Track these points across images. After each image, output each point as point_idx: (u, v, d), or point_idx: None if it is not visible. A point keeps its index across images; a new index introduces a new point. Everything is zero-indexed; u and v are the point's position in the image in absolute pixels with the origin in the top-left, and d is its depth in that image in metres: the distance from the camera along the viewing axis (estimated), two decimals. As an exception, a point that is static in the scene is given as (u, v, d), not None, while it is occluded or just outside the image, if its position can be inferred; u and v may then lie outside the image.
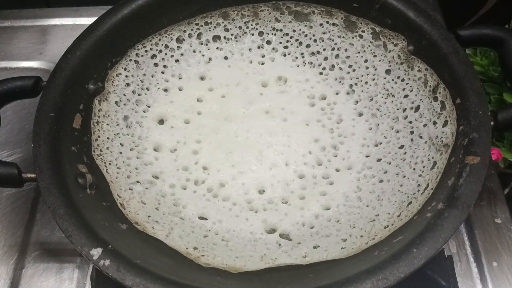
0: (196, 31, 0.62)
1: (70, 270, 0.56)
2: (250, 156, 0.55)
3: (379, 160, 0.53)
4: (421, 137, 0.52)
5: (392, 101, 0.56)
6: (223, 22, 0.62)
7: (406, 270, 0.41)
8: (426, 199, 0.47)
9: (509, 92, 0.60)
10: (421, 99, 0.54)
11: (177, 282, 0.42)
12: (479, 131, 0.47)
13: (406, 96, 0.55)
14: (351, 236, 0.48)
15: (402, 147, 0.53)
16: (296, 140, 0.56)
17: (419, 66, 0.55)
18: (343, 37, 0.60)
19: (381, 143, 0.54)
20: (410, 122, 0.54)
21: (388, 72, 0.57)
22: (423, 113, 0.53)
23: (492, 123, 0.48)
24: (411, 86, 0.55)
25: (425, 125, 0.52)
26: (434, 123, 0.52)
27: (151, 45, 0.60)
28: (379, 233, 0.47)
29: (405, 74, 0.56)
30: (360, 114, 0.57)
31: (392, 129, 0.55)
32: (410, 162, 0.51)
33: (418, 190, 0.48)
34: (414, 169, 0.51)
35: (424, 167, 0.50)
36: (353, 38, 0.60)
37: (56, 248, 0.58)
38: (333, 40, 0.61)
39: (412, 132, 0.53)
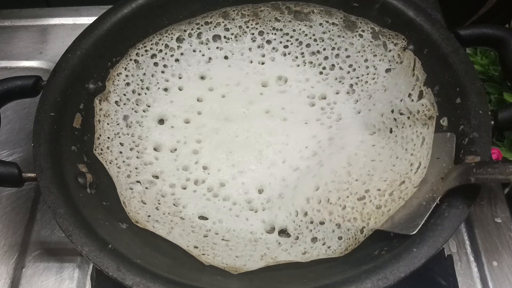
0: (196, 31, 0.62)
1: (71, 270, 0.56)
2: (250, 155, 0.55)
3: (373, 145, 0.53)
4: (401, 114, 0.52)
5: (386, 92, 0.56)
6: (223, 22, 0.62)
7: (406, 270, 0.41)
8: (420, 179, 0.47)
9: (509, 91, 0.60)
10: (403, 79, 0.54)
11: (177, 282, 0.42)
12: (479, 131, 0.47)
13: (396, 84, 0.55)
14: (344, 219, 0.48)
15: (391, 131, 0.53)
16: (295, 139, 0.56)
17: (408, 58, 0.55)
18: (343, 36, 0.60)
19: (374, 133, 0.54)
20: (390, 102, 0.54)
21: (388, 71, 0.57)
22: (401, 89, 0.53)
23: (492, 122, 0.48)
24: (400, 75, 0.55)
25: (401, 100, 0.52)
26: (409, 95, 0.52)
27: (151, 44, 0.60)
28: (373, 215, 0.46)
29: (401, 70, 0.56)
30: (359, 112, 0.57)
31: (383, 116, 0.55)
32: (402, 143, 0.51)
33: (411, 170, 0.48)
34: (406, 149, 0.51)
35: (414, 145, 0.50)
36: (353, 37, 0.60)
37: (56, 248, 0.58)
38: (333, 40, 0.61)
39: (392, 111, 0.53)
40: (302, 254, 0.47)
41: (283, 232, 0.50)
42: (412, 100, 0.51)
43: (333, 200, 0.49)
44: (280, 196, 0.52)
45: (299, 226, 0.49)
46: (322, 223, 0.49)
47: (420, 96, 0.50)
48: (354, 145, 0.54)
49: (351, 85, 0.59)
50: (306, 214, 0.50)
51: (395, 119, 0.53)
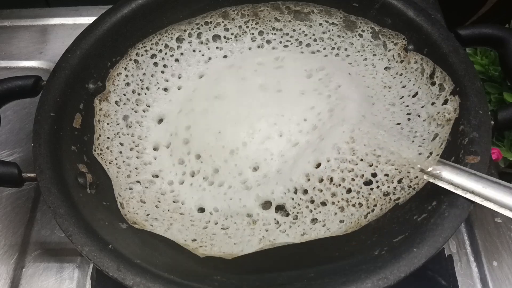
0: (196, 31, 0.62)
1: (71, 270, 0.56)
2: (241, 131, 0.52)
3: (373, 124, 0.51)
4: (419, 116, 0.51)
5: (389, 91, 0.55)
6: (223, 22, 0.62)
7: (406, 270, 0.41)
8: (432, 165, 0.45)
9: (509, 91, 0.60)
10: (419, 87, 0.53)
11: (177, 282, 0.42)
12: (479, 131, 0.47)
13: (404, 86, 0.55)
14: (348, 204, 0.46)
15: (399, 124, 0.52)
16: (291, 110, 0.53)
17: (415, 59, 0.55)
18: (343, 36, 0.60)
19: (376, 115, 0.52)
20: (407, 106, 0.53)
21: (387, 69, 0.57)
22: (421, 97, 0.52)
23: (492, 122, 0.48)
24: (408, 78, 0.55)
25: (422, 107, 0.52)
26: (433, 103, 0.51)
27: (151, 44, 0.60)
28: (379, 202, 0.45)
29: (403, 69, 0.56)
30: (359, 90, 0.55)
31: (388, 110, 0.53)
32: (409, 135, 0.50)
33: (420, 158, 0.47)
34: (413, 141, 0.49)
35: (424, 139, 0.49)
36: (353, 37, 0.60)
37: (56, 248, 0.58)
38: (333, 40, 0.61)
39: (409, 113, 0.52)
40: (301, 235, 0.46)
41: (281, 209, 0.49)
42: (436, 107, 0.50)
43: (337, 180, 0.47)
44: (278, 172, 0.50)
45: (298, 204, 0.48)
46: (323, 204, 0.47)
47: (445, 103, 0.49)
48: (356, 118, 0.50)
49: (350, 81, 0.58)
50: (306, 192, 0.48)
51: (409, 119, 0.52)
